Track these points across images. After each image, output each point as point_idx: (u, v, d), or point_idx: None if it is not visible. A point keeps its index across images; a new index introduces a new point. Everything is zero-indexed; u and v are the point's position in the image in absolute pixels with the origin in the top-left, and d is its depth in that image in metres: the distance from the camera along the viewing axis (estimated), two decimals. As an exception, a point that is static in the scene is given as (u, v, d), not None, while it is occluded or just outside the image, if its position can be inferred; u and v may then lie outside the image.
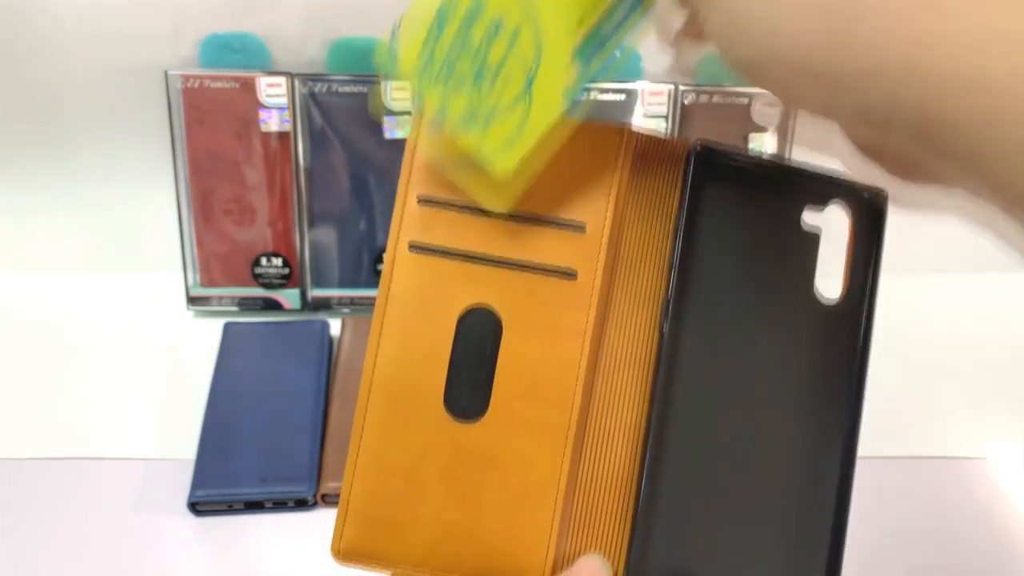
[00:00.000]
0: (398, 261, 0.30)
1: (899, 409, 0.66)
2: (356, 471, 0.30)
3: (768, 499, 0.30)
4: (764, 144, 0.70)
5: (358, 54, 0.67)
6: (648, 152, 0.32)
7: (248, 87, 0.66)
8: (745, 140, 0.70)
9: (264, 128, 0.68)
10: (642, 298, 0.31)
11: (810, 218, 0.31)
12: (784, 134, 0.70)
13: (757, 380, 0.31)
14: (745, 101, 0.69)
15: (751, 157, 0.32)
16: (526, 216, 0.30)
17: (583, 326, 0.30)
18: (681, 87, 0.68)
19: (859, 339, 0.31)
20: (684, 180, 0.31)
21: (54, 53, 0.66)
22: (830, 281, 0.31)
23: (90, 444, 0.61)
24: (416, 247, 0.30)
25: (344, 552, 0.30)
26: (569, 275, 0.30)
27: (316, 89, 0.67)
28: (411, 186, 0.31)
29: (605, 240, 0.30)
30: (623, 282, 0.31)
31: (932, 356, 0.72)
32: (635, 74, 0.69)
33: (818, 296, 0.31)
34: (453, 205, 0.30)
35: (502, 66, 0.27)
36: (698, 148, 0.31)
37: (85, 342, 0.69)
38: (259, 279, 0.71)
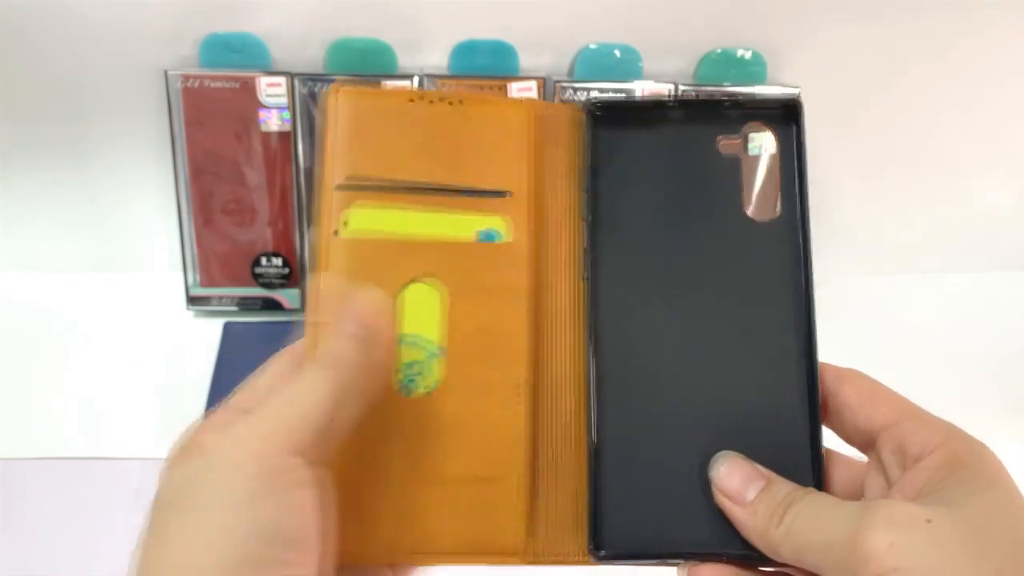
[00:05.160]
0: (331, 248, 0.30)
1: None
2: None
3: (734, 423, 0.30)
4: (764, 143, 0.70)
5: (358, 54, 0.67)
6: (552, 119, 0.33)
7: (248, 87, 0.66)
8: (745, 139, 0.70)
9: (264, 128, 0.67)
10: (570, 255, 0.32)
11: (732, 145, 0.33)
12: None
13: (699, 309, 0.31)
14: (745, 101, 0.69)
15: (648, 100, 0.33)
16: (453, 189, 0.31)
17: (523, 285, 0.31)
18: (680, 87, 0.68)
19: (800, 250, 0.31)
20: (584, 136, 0.32)
21: (54, 53, 0.66)
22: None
23: (90, 444, 0.61)
24: (343, 232, 0.30)
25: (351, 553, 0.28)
26: (502, 237, 0.31)
27: (316, 89, 0.67)
28: (331, 172, 0.31)
29: (531, 201, 0.32)
30: (551, 243, 0.32)
31: (932, 356, 0.72)
32: (635, 74, 0.69)
33: (752, 217, 0.32)
34: (376, 186, 0.31)
35: None
36: (590, 103, 0.32)
37: (85, 342, 0.69)
38: (259, 279, 0.71)
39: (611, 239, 0.32)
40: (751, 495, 0.28)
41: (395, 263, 0.30)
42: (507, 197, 0.31)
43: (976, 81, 0.71)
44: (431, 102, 0.31)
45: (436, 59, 0.68)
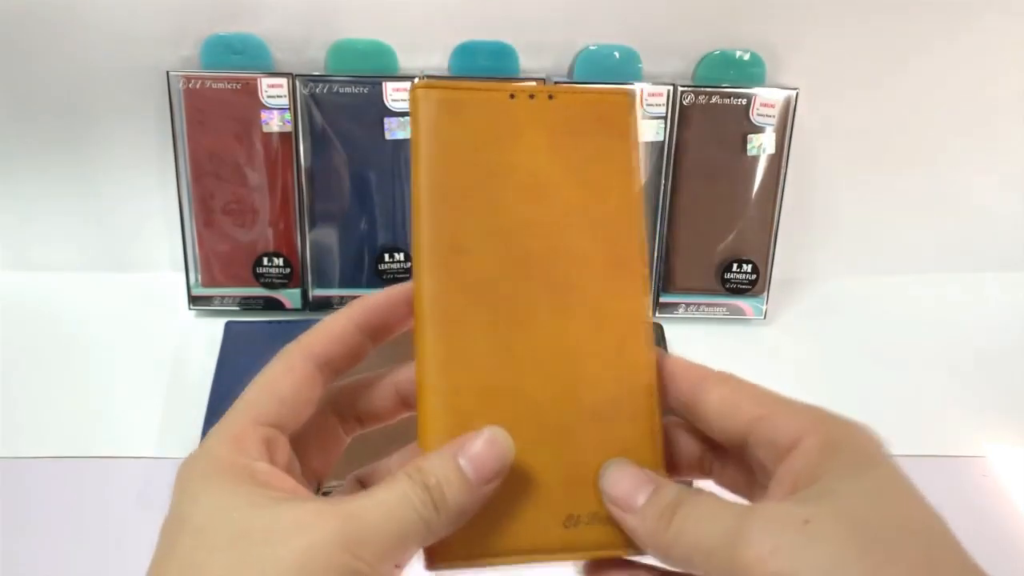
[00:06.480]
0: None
1: (899, 408, 0.66)
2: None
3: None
4: (763, 144, 0.70)
5: (359, 54, 0.67)
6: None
7: (249, 88, 0.67)
8: (744, 140, 0.70)
9: (265, 128, 0.68)
10: None
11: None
12: (783, 133, 0.70)
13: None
14: (744, 102, 0.69)
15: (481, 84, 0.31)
16: None
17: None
18: (680, 88, 0.68)
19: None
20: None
21: (55, 54, 0.66)
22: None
23: (90, 444, 0.61)
24: None
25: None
26: None
27: (317, 90, 0.67)
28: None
29: None
30: None
31: (932, 356, 0.72)
32: (634, 75, 0.69)
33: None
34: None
35: None
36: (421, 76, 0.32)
37: (85, 342, 0.69)
38: (260, 279, 0.71)
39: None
40: (640, 500, 0.27)
41: None
42: None
43: (975, 81, 0.72)
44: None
45: (436, 60, 0.68)
